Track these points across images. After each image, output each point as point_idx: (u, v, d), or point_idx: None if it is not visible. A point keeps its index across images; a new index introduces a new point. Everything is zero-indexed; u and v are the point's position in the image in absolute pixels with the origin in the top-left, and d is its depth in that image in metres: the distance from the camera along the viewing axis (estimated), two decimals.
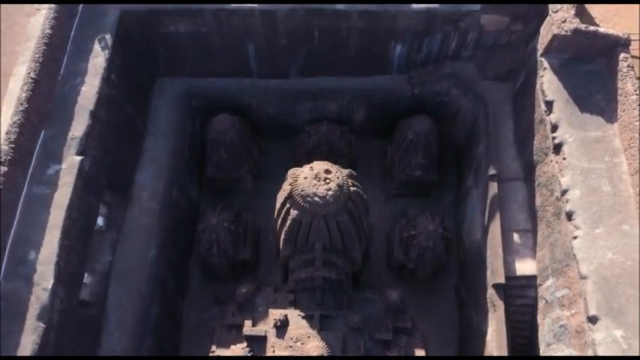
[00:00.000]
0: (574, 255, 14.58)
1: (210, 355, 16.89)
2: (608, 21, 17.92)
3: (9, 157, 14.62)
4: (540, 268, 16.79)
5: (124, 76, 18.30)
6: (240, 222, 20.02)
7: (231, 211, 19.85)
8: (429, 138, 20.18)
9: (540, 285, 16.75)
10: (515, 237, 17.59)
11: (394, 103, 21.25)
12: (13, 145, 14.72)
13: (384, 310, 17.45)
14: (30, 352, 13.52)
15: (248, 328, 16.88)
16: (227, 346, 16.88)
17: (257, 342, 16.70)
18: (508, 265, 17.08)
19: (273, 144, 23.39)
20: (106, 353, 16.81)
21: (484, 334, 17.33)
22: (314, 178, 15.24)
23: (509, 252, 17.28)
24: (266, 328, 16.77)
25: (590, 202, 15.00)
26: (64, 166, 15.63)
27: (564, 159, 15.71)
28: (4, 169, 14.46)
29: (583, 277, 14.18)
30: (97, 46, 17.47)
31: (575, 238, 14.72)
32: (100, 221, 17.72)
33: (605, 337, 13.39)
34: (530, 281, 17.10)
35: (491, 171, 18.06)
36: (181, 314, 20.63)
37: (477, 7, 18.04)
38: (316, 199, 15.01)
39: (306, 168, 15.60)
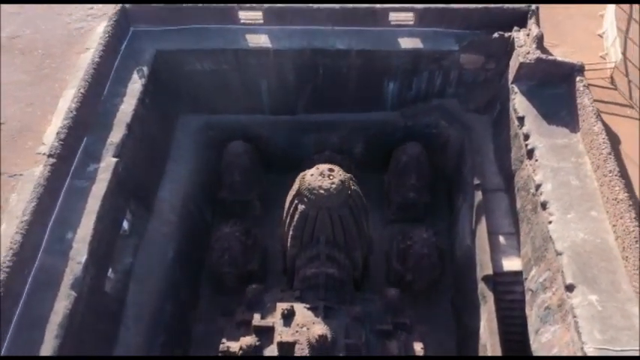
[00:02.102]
0: (550, 237, 16.42)
1: (221, 346, 17.92)
2: (570, 57, 20.96)
3: (57, 152, 17.02)
4: (525, 263, 18.43)
5: (155, 102, 21.23)
6: (250, 235, 21.85)
7: (242, 225, 21.78)
8: (420, 161, 22.67)
9: (526, 279, 18.28)
10: (501, 239, 19.42)
11: (389, 135, 24.00)
12: (62, 143, 17.19)
13: (384, 307, 18.77)
14: (61, 317, 14.90)
15: (257, 320, 18.10)
16: (237, 339, 17.97)
17: (265, 333, 17.79)
18: (495, 263, 18.73)
19: (280, 176, 25.66)
20: (122, 347, 17.92)
21: (477, 328, 18.50)
22: (319, 175, 17.47)
23: (496, 251, 19.02)
24: (274, 320, 17.97)
25: (561, 194, 17.13)
26: (102, 165, 17.98)
27: (536, 161, 18.07)
28: (52, 160, 16.80)
29: (559, 254, 15.91)
30: (135, 75, 20.61)
31: (550, 223, 16.64)
32: (125, 225, 19.63)
33: (581, 301, 14.86)
34: (517, 277, 18.64)
35: (476, 181, 20.31)
36: (191, 324, 21.66)
37: (456, 47, 21.45)
38: (321, 191, 17.12)
39: (312, 169, 17.89)
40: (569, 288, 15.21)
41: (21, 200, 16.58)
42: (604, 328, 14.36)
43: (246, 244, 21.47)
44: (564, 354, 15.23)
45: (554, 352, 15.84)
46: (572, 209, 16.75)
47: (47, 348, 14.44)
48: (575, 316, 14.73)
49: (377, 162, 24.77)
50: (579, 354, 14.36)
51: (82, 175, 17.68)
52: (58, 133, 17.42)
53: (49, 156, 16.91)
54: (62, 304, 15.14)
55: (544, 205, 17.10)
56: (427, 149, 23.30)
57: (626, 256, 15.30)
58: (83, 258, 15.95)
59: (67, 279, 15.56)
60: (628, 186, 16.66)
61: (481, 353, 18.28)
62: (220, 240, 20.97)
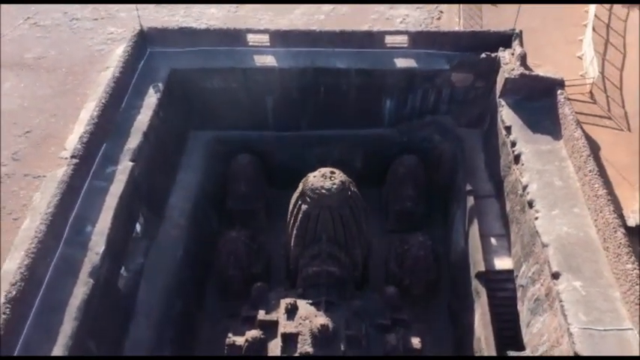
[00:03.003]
0: (537, 232, 17.60)
1: (227, 340, 18.76)
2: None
3: (79, 154, 18.44)
4: (515, 261, 19.50)
5: (168, 116, 22.82)
6: (255, 241, 22.96)
7: (248, 231, 22.91)
8: (416, 172, 24.07)
9: (517, 276, 19.30)
10: (493, 240, 20.57)
11: (386, 149, 25.45)
12: (84, 146, 18.64)
13: (383, 304, 19.72)
14: (79, 301, 15.91)
15: (261, 315, 19.03)
16: (242, 334, 18.82)
17: (269, 327, 18.69)
18: (488, 262, 19.81)
19: (283, 191, 26.92)
20: (132, 340, 18.75)
21: (472, 325, 19.37)
22: (322, 177, 18.85)
23: (488, 252, 20.13)
24: (278, 315, 18.91)
25: (546, 193, 18.43)
26: (119, 167, 19.38)
27: (523, 165, 19.47)
28: (75, 161, 18.21)
29: (545, 246, 17.05)
30: (151, 90, 22.31)
31: (536, 219, 17.85)
32: (137, 228, 20.82)
33: (566, 287, 15.90)
34: (508, 275, 19.65)
35: (468, 187, 21.64)
36: (198, 325, 22.45)
37: (446, 66, 23.27)
38: (323, 190, 18.45)
39: (315, 171, 19.27)
40: (555, 276, 16.28)
41: (44, 198, 17.89)
42: (588, 311, 15.33)
43: (252, 248, 22.56)
44: (552, 339, 16.12)
45: (544, 340, 16.71)
46: (556, 206, 18.01)
47: (66, 329, 15.36)
48: (561, 301, 15.71)
49: (375, 176, 26.10)
50: (566, 336, 15.27)
51: (101, 176, 19.05)
52: (80, 137, 18.91)
53: (72, 157, 18.33)
54: (81, 289, 16.18)
55: (530, 204, 18.37)
56: (423, 162, 24.74)
57: (607, 247, 16.44)
58: (101, 249, 17.09)
59: (86, 268, 16.64)
60: (607, 184, 17.99)
61: (475, 346, 19.07)
62: (227, 243, 22.08)
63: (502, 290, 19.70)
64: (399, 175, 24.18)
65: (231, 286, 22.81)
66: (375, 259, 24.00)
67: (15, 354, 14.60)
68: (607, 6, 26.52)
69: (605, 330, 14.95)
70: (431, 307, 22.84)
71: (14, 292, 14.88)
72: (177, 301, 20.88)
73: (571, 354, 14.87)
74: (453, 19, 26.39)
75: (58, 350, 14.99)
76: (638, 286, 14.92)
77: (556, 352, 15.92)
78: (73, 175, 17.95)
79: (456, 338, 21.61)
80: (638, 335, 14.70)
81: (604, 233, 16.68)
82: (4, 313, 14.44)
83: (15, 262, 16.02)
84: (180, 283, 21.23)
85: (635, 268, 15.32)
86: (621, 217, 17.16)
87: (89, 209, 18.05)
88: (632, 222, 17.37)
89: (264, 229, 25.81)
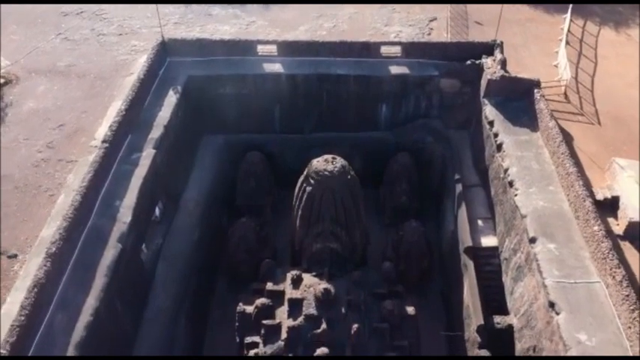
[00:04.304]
0: (517, 206, 19.74)
1: (237, 308, 20.53)
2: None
3: (109, 139, 20.81)
4: (499, 239, 21.54)
5: (185, 118, 25.31)
6: (264, 228, 24.98)
7: (257, 220, 24.98)
8: (410, 169, 26.37)
9: (501, 252, 21.30)
10: (479, 222, 22.67)
11: (383, 151, 27.80)
12: (113, 133, 21.02)
13: (380, 277, 21.59)
14: (109, 262, 17.91)
15: (269, 286, 20.90)
16: (251, 303, 20.63)
17: (277, 296, 20.53)
18: (475, 240, 21.84)
19: (288, 191, 29.08)
20: (151, 310, 20.59)
21: (461, 295, 21.20)
22: (324, 161, 21.13)
23: (475, 232, 22.20)
24: (284, 286, 20.78)
25: (525, 174, 20.68)
26: (143, 154, 21.70)
27: (504, 152, 21.81)
28: (105, 145, 20.55)
29: (524, 217, 19.16)
30: (171, 92, 24.91)
31: (516, 195, 20.04)
32: (157, 212, 22.95)
33: (542, 249, 17.92)
34: (493, 252, 21.65)
35: (457, 176, 23.91)
36: (209, 309, 24.18)
37: (436, 73, 25.98)
38: (326, 173, 20.69)
39: (319, 157, 21.55)
40: (532, 240, 18.32)
41: (77, 178, 20.11)
42: (561, 267, 17.31)
43: (260, 235, 24.56)
44: (531, 296, 18.01)
45: (525, 300, 18.58)
46: (533, 185, 20.23)
47: (97, 285, 17.30)
48: (537, 261, 17.70)
49: (374, 176, 28.26)
50: (542, 290, 17.18)
51: (127, 161, 21.35)
52: (110, 126, 21.34)
53: (103, 142, 20.69)
54: (110, 252, 18.19)
55: (511, 184, 20.58)
56: (416, 161, 27.06)
57: (577, 215, 18.56)
58: (128, 219, 19.21)
59: (115, 235, 18.70)
60: (578, 166, 20.25)
61: (465, 313, 20.81)
62: (237, 229, 24.12)
63: (488, 265, 21.62)
64: (394, 172, 26.46)
65: (241, 271, 24.64)
66: (373, 254, 25.88)
67: (53, 303, 16.49)
68: (580, 23, 29.59)
69: (575, 282, 16.89)
70: (425, 291, 24.57)
71: (54, 249, 16.90)
72: (193, 279, 22.74)
73: (546, 305, 16.75)
74: (442, 35, 29.29)
75: (90, 301, 16.89)
76: (603, 244, 16.94)
77: (534, 307, 17.78)
78: (103, 157, 20.25)
79: (448, 317, 23.32)
80: (604, 286, 16.63)
81: (575, 204, 18.84)
82: (44, 266, 16.42)
83: (52, 229, 18.12)
84: (195, 263, 23.15)
85: (600, 230, 17.39)
86: (590, 192, 19.32)
87: (117, 187, 20.25)
88: (600, 196, 19.51)
89: (270, 224, 27.84)
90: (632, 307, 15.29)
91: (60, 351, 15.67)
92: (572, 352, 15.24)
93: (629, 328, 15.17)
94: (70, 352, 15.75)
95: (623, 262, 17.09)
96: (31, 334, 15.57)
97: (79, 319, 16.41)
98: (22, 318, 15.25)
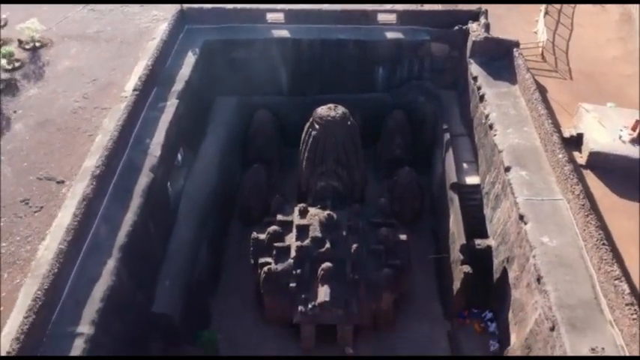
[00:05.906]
0: (495, 144, 22.69)
1: (252, 235, 23.46)
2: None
3: (140, 88, 23.77)
4: (481, 177, 24.51)
5: (202, 79, 28.25)
6: (271, 178, 27.91)
7: (268, 170, 27.91)
8: (404, 125, 29.32)
9: (483, 188, 24.25)
10: (464, 165, 25.62)
11: (380, 110, 30.72)
12: (142, 83, 23.98)
13: (377, 210, 24.53)
14: (143, 187, 20.87)
15: (280, 217, 23.85)
16: (264, 231, 23.57)
17: (286, 225, 23.49)
18: (460, 179, 24.80)
19: (293, 149, 32.06)
20: (175, 239, 23.49)
21: (447, 224, 24.18)
22: (327, 108, 24.07)
23: (460, 172, 25.15)
24: (292, 216, 23.73)
25: (503, 119, 23.63)
26: (168, 103, 24.66)
27: (486, 101, 24.75)
28: (136, 92, 23.51)
29: (500, 151, 22.12)
30: (190, 54, 27.88)
31: (495, 136, 22.98)
32: (179, 157, 25.89)
33: (515, 175, 20.88)
34: (476, 189, 24.60)
35: (445, 126, 26.87)
36: (226, 245, 27.13)
37: (427, 37, 28.93)
38: (329, 118, 23.63)
39: (323, 105, 24.46)
40: (507, 169, 21.29)
41: (112, 122, 23.06)
42: (530, 188, 20.28)
43: (270, 183, 27.49)
44: (506, 216, 20.97)
45: (501, 222, 21.55)
46: (510, 127, 23.19)
47: (134, 205, 20.25)
48: (510, 184, 20.67)
49: (372, 134, 31.10)
50: (514, 208, 20.14)
51: (155, 108, 24.34)
52: (139, 77, 24.30)
53: (134, 90, 23.66)
54: (144, 179, 21.16)
55: (491, 127, 23.53)
56: (410, 119, 29.98)
57: (546, 148, 21.52)
58: (158, 153, 22.21)
59: (147, 166, 21.69)
60: (550, 112, 23.18)
61: (450, 240, 23.76)
62: (250, 176, 27.05)
63: (472, 200, 24.56)
64: (389, 127, 29.40)
65: (252, 214, 27.53)
66: (370, 201, 28.71)
67: (98, 216, 19.45)
68: None
69: (542, 200, 19.85)
70: (417, 229, 27.48)
71: (98, 172, 19.87)
72: (212, 214, 25.67)
73: (517, 218, 19.71)
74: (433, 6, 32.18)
75: (129, 217, 19.85)
76: (566, 167, 19.89)
77: (508, 225, 20.75)
78: (135, 102, 23.23)
79: (436, 246, 26.33)
80: (566, 202, 19.58)
81: (544, 140, 21.80)
82: (91, 184, 19.39)
83: (93, 160, 21.07)
84: (213, 203, 26.07)
85: (564, 157, 20.34)
86: (559, 130, 22.25)
87: (147, 129, 23.24)
88: (567, 134, 22.45)
89: (277, 176, 30.75)
90: (586, 214, 18.23)
91: (106, 254, 18.62)
92: (537, 252, 18.18)
93: (584, 230, 18.12)
94: (114, 255, 18.69)
95: (584, 185, 20.01)
96: (80, 238, 18.53)
97: (121, 229, 19.38)
98: (75, 223, 18.23)
